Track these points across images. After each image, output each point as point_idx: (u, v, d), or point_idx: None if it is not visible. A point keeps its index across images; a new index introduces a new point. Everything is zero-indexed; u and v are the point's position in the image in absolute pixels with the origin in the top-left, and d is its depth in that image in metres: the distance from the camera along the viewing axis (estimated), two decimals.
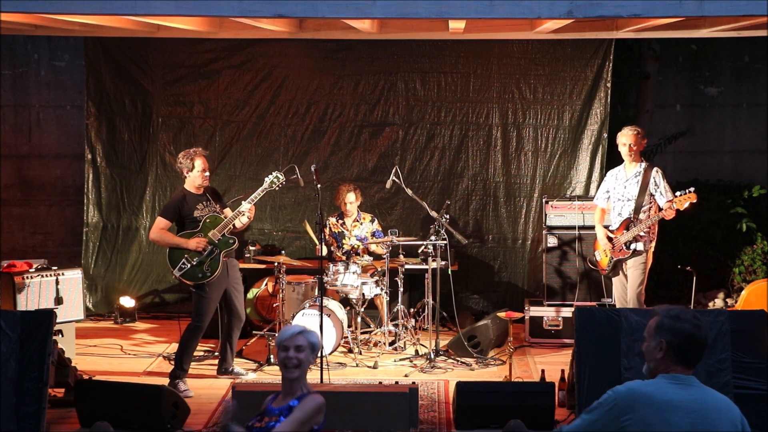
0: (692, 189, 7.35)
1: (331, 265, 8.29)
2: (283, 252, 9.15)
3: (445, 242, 8.10)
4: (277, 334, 4.39)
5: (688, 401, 3.41)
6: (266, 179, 7.51)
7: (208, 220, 7.30)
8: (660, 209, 7.48)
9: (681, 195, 7.33)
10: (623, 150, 7.68)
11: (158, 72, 9.80)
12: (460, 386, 6.44)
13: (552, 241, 8.96)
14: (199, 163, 7.27)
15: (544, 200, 9.08)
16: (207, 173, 7.33)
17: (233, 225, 7.38)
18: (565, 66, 9.58)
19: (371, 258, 8.73)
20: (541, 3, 5.22)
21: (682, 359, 3.46)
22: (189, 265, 7.21)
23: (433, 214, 8.26)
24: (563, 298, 8.85)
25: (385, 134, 9.78)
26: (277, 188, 7.55)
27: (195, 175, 7.29)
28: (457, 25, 7.75)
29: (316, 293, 8.21)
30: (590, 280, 8.79)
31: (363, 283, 8.20)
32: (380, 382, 7.22)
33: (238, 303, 7.50)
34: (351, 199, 8.78)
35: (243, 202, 7.41)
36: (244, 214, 7.36)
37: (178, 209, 7.28)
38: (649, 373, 3.54)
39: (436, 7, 5.27)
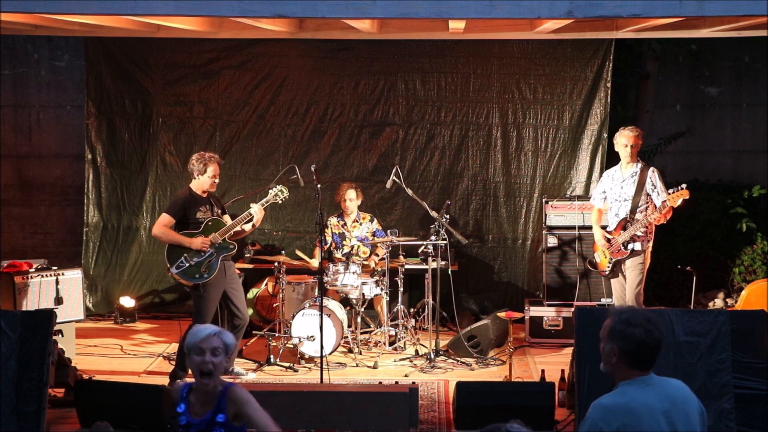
0: (684, 185, 7.36)
1: (331, 265, 8.29)
2: (283, 252, 9.16)
3: (445, 242, 8.10)
4: (188, 337, 4.03)
5: (661, 400, 3.44)
6: (270, 191, 7.56)
7: (210, 223, 7.32)
8: (656, 208, 7.49)
9: (674, 192, 7.34)
10: (624, 150, 7.67)
11: (158, 72, 9.80)
12: (460, 386, 6.44)
13: (552, 241, 8.96)
14: (212, 169, 7.30)
15: (544, 200, 9.08)
16: (217, 180, 7.36)
17: (243, 229, 7.42)
18: (565, 66, 9.57)
19: (377, 260, 8.73)
20: (541, 3, 5.23)
21: (637, 364, 3.49)
22: (187, 264, 7.22)
23: (433, 214, 8.26)
24: (563, 298, 8.85)
25: (385, 134, 9.78)
26: (280, 201, 7.64)
27: (204, 180, 7.31)
28: (457, 25, 7.75)
29: (316, 293, 8.21)
30: (590, 280, 8.78)
31: (363, 283, 8.20)
32: (380, 382, 7.22)
33: (238, 303, 7.50)
34: (351, 196, 8.78)
35: (252, 204, 7.44)
36: (251, 217, 7.38)
37: (184, 207, 7.29)
38: (608, 373, 3.58)
39: (436, 7, 5.28)
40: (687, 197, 7.33)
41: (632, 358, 3.48)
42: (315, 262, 8.62)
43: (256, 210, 7.42)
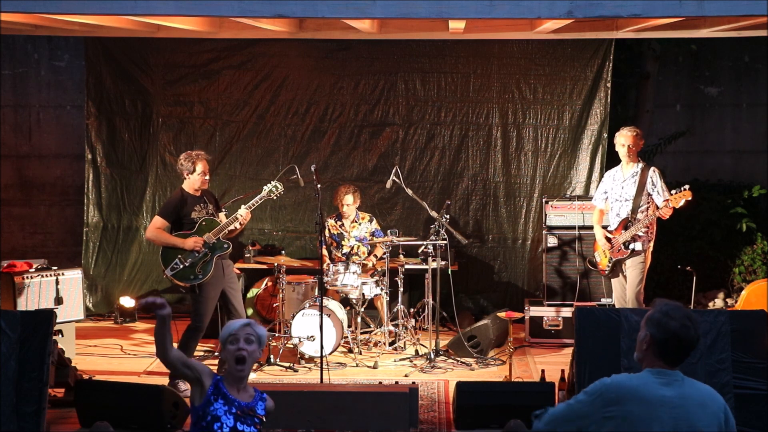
0: (687, 186, 7.37)
1: (331, 265, 8.28)
2: (283, 252, 9.16)
3: (445, 242, 8.09)
4: (222, 330, 4.25)
5: (672, 397, 3.44)
6: (264, 188, 7.54)
7: (204, 223, 7.31)
8: (657, 209, 7.49)
9: (676, 193, 7.35)
10: (621, 150, 7.69)
11: (158, 72, 9.80)
12: (460, 386, 6.44)
13: (552, 241, 8.97)
14: (201, 166, 7.28)
15: (544, 200, 9.09)
16: (207, 177, 7.35)
17: (235, 227, 7.41)
18: (565, 66, 9.58)
19: (374, 261, 8.74)
20: (541, 3, 5.23)
21: (664, 356, 3.49)
22: (181, 266, 7.21)
23: (433, 214, 8.26)
24: (563, 298, 8.85)
25: (385, 134, 9.78)
26: (275, 197, 7.61)
27: (195, 178, 7.29)
28: (457, 25, 7.75)
29: (316, 293, 8.21)
30: (590, 280, 8.79)
31: (363, 283, 8.20)
32: (380, 382, 7.22)
33: (236, 302, 7.49)
34: (348, 201, 8.77)
35: (242, 206, 7.44)
36: (237, 220, 7.38)
37: (177, 210, 7.29)
38: (637, 361, 3.59)
39: (436, 7, 5.28)
40: (689, 198, 7.34)
41: (661, 348, 3.48)
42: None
43: (242, 213, 7.41)
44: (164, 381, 7.19)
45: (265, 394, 4.24)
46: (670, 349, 3.47)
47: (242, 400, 4.14)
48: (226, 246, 7.35)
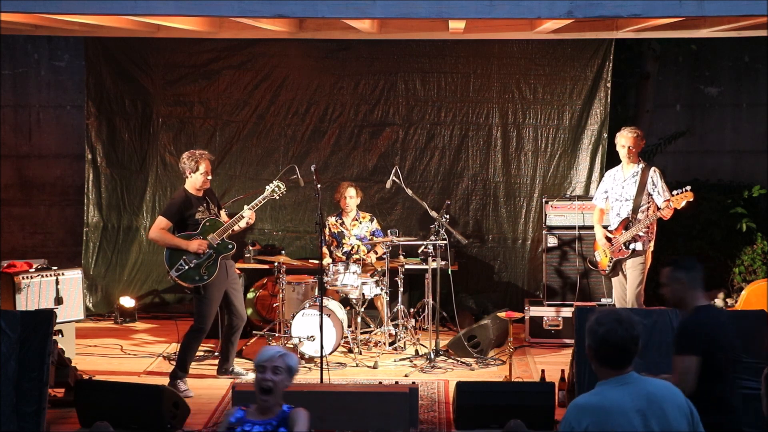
0: (689, 188, 7.37)
1: (331, 265, 8.28)
2: (283, 252, 9.17)
3: (445, 242, 8.10)
4: (256, 356, 4.25)
5: (634, 399, 3.47)
6: (267, 187, 7.55)
7: (207, 224, 7.30)
8: (658, 209, 7.49)
9: (678, 194, 7.35)
10: (622, 151, 7.69)
11: (158, 72, 9.80)
12: (460, 386, 6.44)
13: (552, 241, 8.97)
14: (204, 166, 7.28)
15: (544, 200, 9.09)
16: (210, 177, 7.35)
17: (239, 226, 7.42)
18: (565, 66, 9.58)
19: (374, 258, 8.74)
20: (541, 3, 5.23)
21: (606, 362, 3.54)
22: (186, 267, 7.21)
23: (433, 214, 8.26)
24: (563, 298, 8.85)
25: (385, 134, 9.78)
26: (278, 197, 7.62)
27: (197, 177, 7.29)
28: (457, 25, 7.75)
29: (316, 293, 8.21)
30: (590, 280, 8.79)
31: (363, 283, 8.20)
32: (380, 382, 7.23)
33: (237, 303, 7.50)
34: (351, 194, 8.79)
35: (245, 207, 7.44)
36: (243, 219, 7.38)
37: (181, 211, 7.28)
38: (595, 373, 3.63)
39: (436, 7, 5.28)
40: (691, 199, 7.34)
41: (599, 356, 3.54)
42: (326, 260, 8.56)
43: (248, 214, 7.42)
44: (164, 381, 7.19)
45: (291, 413, 4.14)
46: (606, 354, 3.51)
47: (260, 419, 4.11)
48: (230, 247, 7.36)
